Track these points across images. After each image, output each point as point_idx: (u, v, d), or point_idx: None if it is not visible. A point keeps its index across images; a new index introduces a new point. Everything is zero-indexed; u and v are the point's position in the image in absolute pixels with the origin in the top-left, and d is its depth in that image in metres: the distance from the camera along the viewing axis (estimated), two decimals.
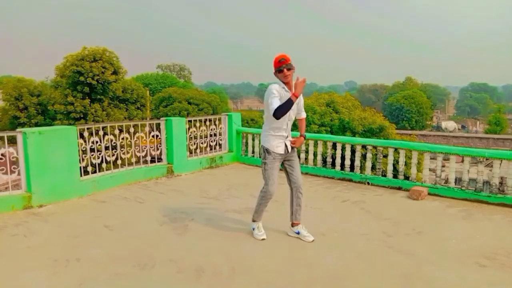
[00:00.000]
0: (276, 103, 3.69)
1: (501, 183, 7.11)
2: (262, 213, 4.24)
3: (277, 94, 3.76)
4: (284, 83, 3.85)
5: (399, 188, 6.21)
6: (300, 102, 4.12)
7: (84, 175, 5.91)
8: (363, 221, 4.81)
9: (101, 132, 6.12)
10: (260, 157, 4.98)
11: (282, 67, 3.80)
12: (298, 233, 4.18)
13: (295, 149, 4.18)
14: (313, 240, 4.09)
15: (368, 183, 6.52)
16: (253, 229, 4.27)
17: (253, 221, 4.30)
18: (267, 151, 4.02)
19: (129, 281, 3.33)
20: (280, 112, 3.66)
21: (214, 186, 6.37)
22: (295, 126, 4.33)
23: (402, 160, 6.35)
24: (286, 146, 4.04)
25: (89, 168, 6.04)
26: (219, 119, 8.28)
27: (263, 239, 4.14)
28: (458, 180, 6.51)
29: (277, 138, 4.00)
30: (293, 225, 4.23)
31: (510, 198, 5.32)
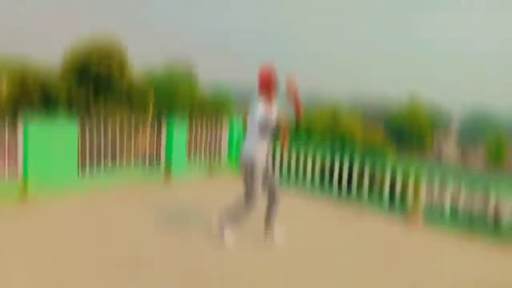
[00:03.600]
0: None
1: (496, 214, 7.09)
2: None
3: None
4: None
5: (395, 214, 6.17)
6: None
7: (83, 173, 5.90)
8: (356, 245, 4.78)
9: (101, 130, 6.13)
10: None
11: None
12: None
13: None
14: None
15: (363, 206, 6.49)
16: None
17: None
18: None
19: (128, 281, 3.34)
20: None
21: (213, 190, 6.36)
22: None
23: (399, 185, 6.33)
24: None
25: (88, 167, 6.04)
26: (221, 122, 8.24)
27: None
28: (454, 209, 6.48)
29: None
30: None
31: (505, 230, 5.30)
